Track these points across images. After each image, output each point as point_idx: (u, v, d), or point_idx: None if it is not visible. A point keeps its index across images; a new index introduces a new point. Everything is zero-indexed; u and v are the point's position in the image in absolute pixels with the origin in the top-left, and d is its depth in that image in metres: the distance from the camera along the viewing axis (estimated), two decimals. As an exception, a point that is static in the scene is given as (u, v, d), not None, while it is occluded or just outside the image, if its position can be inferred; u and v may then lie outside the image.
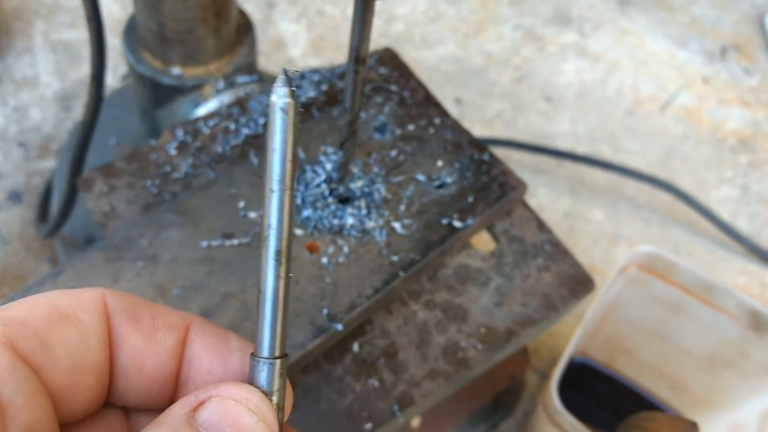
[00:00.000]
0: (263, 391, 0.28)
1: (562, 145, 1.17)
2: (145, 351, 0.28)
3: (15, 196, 0.99)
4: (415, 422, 0.82)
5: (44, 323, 0.26)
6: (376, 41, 1.23)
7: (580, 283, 0.66)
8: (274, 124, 0.28)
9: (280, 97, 0.28)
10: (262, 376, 0.28)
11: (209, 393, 0.27)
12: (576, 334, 0.74)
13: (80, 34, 1.18)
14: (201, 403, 0.26)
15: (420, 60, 1.25)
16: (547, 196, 1.12)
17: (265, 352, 0.28)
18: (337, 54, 1.23)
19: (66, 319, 0.26)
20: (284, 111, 0.28)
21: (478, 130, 1.17)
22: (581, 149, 1.17)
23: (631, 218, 1.11)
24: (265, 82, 0.76)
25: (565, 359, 0.72)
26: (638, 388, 0.93)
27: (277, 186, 0.28)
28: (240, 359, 0.29)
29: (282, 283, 0.28)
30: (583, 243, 1.08)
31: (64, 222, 0.80)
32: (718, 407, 0.86)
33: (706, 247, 1.10)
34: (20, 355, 0.25)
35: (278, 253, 0.28)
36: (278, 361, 0.29)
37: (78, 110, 1.09)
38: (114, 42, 1.14)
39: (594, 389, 0.95)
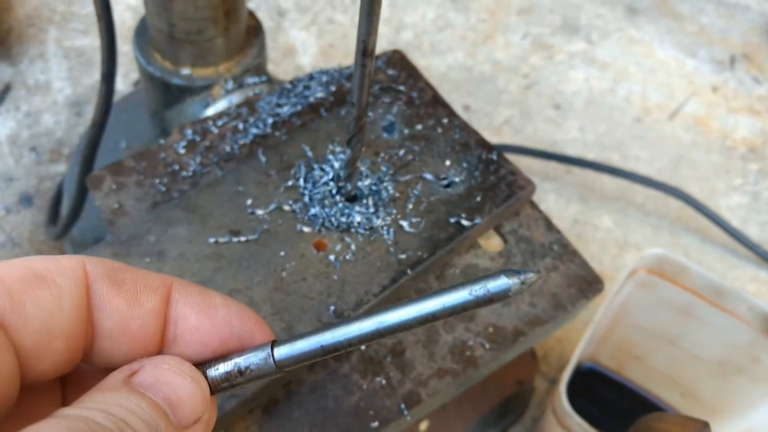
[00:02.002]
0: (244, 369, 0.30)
1: (571, 152, 1.17)
2: (128, 313, 0.28)
3: (26, 200, 1.00)
4: (423, 425, 0.81)
5: (19, 283, 0.26)
6: (386, 49, 1.24)
7: (589, 284, 0.65)
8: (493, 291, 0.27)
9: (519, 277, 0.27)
10: (259, 358, 0.30)
11: (143, 363, 0.28)
12: (585, 336, 0.74)
13: (93, 41, 1.20)
14: (135, 372, 0.27)
15: (429, 68, 1.26)
16: (556, 202, 1.12)
17: (279, 356, 0.30)
18: (346, 61, 1.24)
19: (41, 281, 0.27)
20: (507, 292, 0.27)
21: (486, 137, 1.17)
22: (590, 157, 1.17)
23: (640, 225, 1.11)
24: (274, 83, 0.76)
25: (574, 361, 0.71)
26: (648, 394, 0.92)
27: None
28: (224, 314, 0.30)
29: None
30: (591, 249, 1.07)
31: (74, 223, 0.80)
32: (730, 413, 0.85)
33: (716, 254, 1.09)
34: None
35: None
36: (276, 368, 0.30)
37: (90, 116, 1.10)
38: (125, 49, 1.15)
39: (603, 396, 0.95)
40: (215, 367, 0.30)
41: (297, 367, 0.30)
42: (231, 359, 0.30)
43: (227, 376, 0.30)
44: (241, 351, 0.30)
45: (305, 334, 0.30)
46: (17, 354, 0.26)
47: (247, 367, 0.30)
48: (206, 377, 0.30)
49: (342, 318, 0.57)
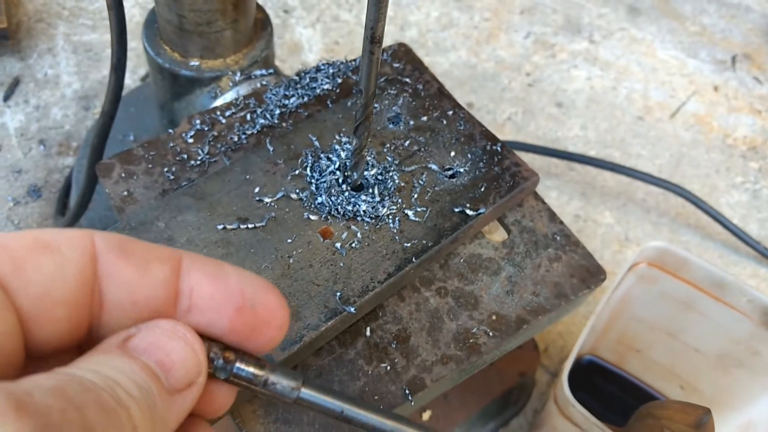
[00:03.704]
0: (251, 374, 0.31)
1: (573, 150, 1.18)
2: (138, 282, 0.29)
3: (34, 192, 1.01)
4: (426, 416, 0.82)
5: (23, 249, 0.26)
6: (389, 46, 1.25)
7: (591, 274, 0.66)
8: None
9: None
10: (287, 382, 0.31)
11: (140, 327, 0.28)
12: (586, 328, 0.75)
13: (101, 36, 1.21)
14: (131, 336, 0.28)
15: (433, 65, 1.27)
16: (557, 198, 1.13)
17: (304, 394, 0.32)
18: (351, 57, 1.25)
19: (46, 249, 0.27)
20: None
21: (489, 134, 1.18)
22: (591, 154, 1.18)
23: (641, 221, 1.12)
24: (281, 76, 0.77)
25: (576, 351, 0.72)
26: (648, 387, 0.93)
27: None
28: (237, 280, 0.30)
29: None
30: (593, 245, 1.08)
31: (83, 213, 0.81)
32: (729, 407, 0.86)
33: (716, 251, 1.10)
34: None
35: None
36: (294, 400, 0.32)
37: (98, 110, 1.11)
38: (133, 44, 1.16)
39: (603, 389, 0.95)
40: (245, 363, 0.31)
41: (307, 407, 0.32)
42: (264, 367, 0.31)
43: (249, 376, 0.31)
44: (273, 366, 0.31)
45: (336, 392, 0.31)
46: (19, 317, 0.26)
47: (273, 383, 0.31)
48: (232, 369, 0.30)
49: (348, 304, 0.57)
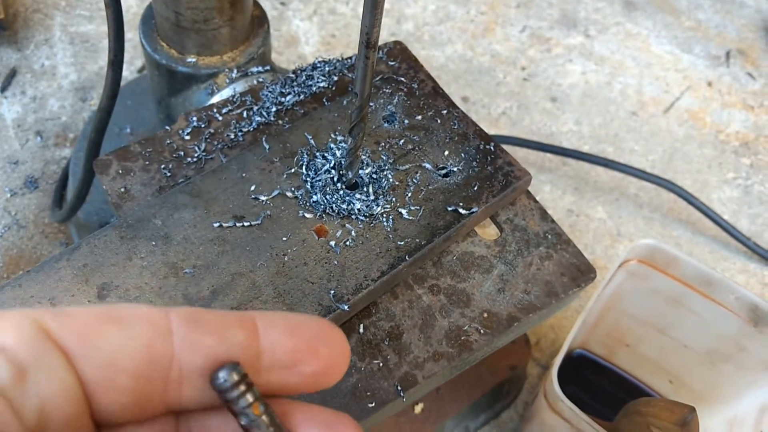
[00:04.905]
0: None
1: (567, 144, 1.19)
2: (217, 349, 0.28)
3: (31, 183, 1.02)
4: (418, 409, 0.84)
5: (88, 316, 0.27)
6: (386, 40, 1.25)
7: (582, 272, 0.67)
8: None
9: None
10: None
11: None
12: (577, 323, 0.76)
13: (97, 27, 1.21)
14: None
15: (428, 59, 1.27)
16: (551, 193, 1.14)
17: None
18: (348, 51, 1.25)
19: (112, 319, 0.27)
20: None
21: (484, 128, 1.19)
22: (585, 149, 1.19)
23: (633, 217, 1.13)
24: (277, 73, 0.78)
25: (566, 347, 0.73)
26: (637, 381, 0.95)
27: None
28: (309, 328, 0.30)
29: None
30: (585, 240, 1.10)
31: (80, 206, 0.82)
32: (716, 401, 0.87)
33: (707, 246, 1.11)
34: (51, 338, 0.26)
35: None
36: None
37: (95, 101, 1.12)
38: (129, 35, 1.16)
39: (593, 383, 0.97)
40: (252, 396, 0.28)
41: None
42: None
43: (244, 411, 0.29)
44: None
45: None
46: (83, 385, 0.27)
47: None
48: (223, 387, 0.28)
49: (342, 302, 0.58)
